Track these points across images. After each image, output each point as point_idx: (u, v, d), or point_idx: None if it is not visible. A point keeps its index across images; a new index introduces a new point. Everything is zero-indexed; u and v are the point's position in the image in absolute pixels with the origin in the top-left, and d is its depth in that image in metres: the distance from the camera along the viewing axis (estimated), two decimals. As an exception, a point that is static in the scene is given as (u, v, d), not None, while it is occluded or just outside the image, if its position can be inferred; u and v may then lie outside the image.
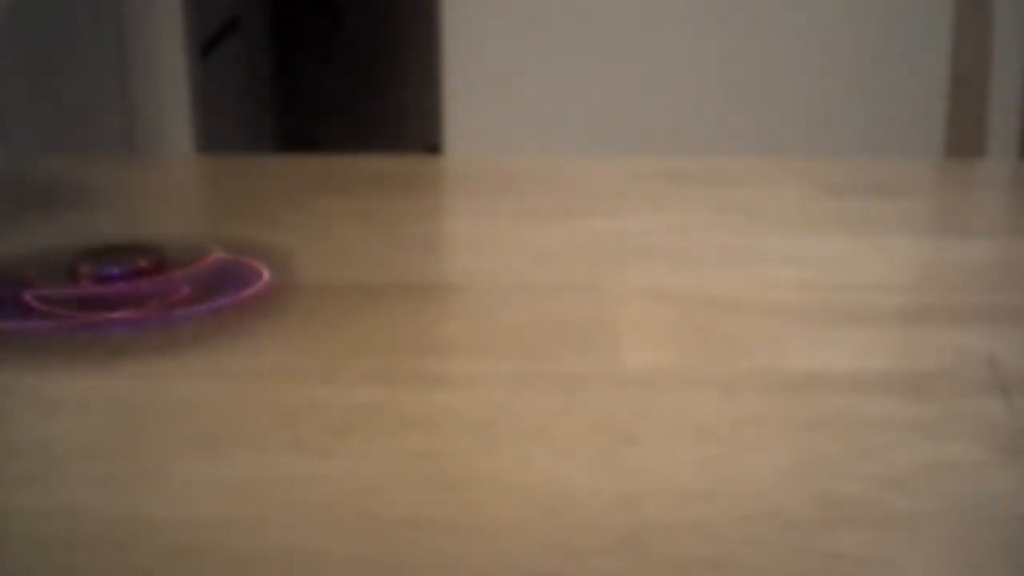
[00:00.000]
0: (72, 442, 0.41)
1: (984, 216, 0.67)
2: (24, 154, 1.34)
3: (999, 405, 0.44)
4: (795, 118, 1.67)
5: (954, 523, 0.36)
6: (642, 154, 1.62)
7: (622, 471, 0.39)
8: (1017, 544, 0.35)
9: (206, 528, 0.36)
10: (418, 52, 2.13)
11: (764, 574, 0.34)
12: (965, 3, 1.05)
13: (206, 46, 1.78)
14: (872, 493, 0.38)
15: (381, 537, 0.35)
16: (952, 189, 0.73)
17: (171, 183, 0.73)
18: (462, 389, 0.45)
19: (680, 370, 0.47)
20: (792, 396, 0.44)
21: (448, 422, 0.42)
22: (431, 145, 2.00)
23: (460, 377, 0.46)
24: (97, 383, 0.46)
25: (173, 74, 1.62)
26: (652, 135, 1.68)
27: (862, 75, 1.65)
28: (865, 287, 0.55)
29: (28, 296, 0.53)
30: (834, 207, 0.67)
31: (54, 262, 0.56)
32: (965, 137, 1.06)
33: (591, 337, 0.50)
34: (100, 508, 0.37)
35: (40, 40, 1.42)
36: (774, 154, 1.67)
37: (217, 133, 1.79)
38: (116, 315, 0.51)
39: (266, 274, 0.56)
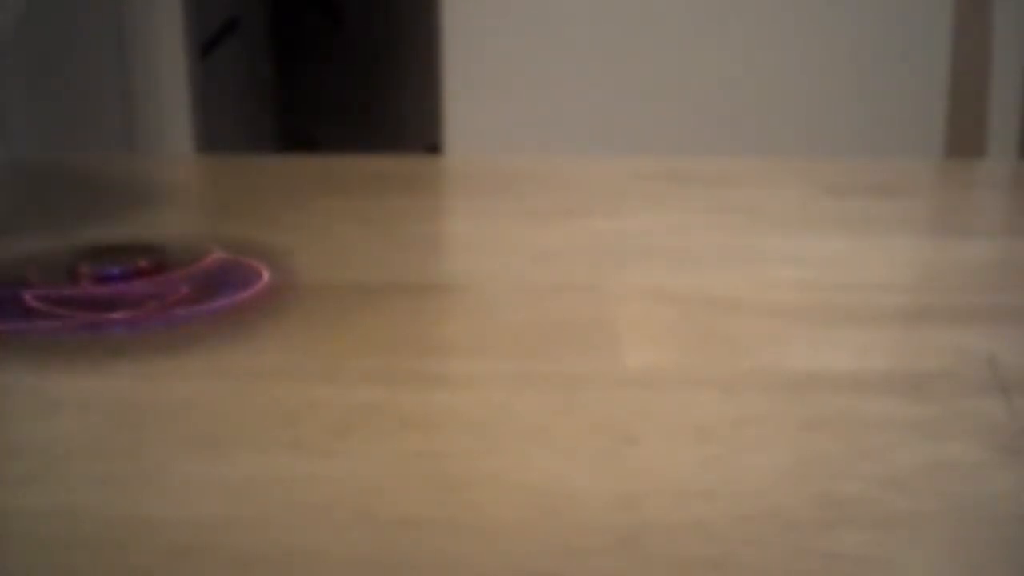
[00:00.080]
0: (72, 442, 0.41)
1: (984, 216, 0.67)
2: (24, 154, 1.34)
3: (999, 405, 0.44)
4: (795, 118, 1.67)
5: (954, 523, 0.36)
6: (642, 154, 1.62)
7: (622, 471, 0.39)
8: (1017, 544, 0.35)
9: (206, 528, 0.36)
10: (418, 52, 2.13)
11: (764, 574, 0.34)
12: (965, 3, 1.05)
13: (206, 46, 1.78)
14: (872, 493, 0.38)
15: (381, 537, 0.35)
16: (952, 189, 0.73)
17: (171, 183, 0.73)
18: (462, 389, 0.45)
19: (680, 370, 0.47)
20: (792, 396, 0.44)
21: (448, 422, 0.42)
22: (431, 145, 2.00)
23: (460, 377, 0.46)
24: (97, 383, 0.46)
25: (173, 74, 1.62)
26: (652, 135, 1.68)
27: (862, 75, 1.65)
28: (865, 287, 0.55)
29: (28, 296, 0.53)
30: (834, 207, 0.67)
31: (54, 262, 0.56)
32: (965, 137, 1.06)
33: (591, 337, 0.50)
34: (100, 508, 0.37)
35: (40, 40, 1.42)
36: (774, 154, 1.67)
37: (217, 133, 1.79)
38: (116, 315, 0.51)
39: (266, 274, 0.56)
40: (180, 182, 0.74)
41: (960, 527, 0.36)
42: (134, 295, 0.53)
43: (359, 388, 0.45)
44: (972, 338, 0.50)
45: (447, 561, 0.34)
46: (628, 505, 0.37)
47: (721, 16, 1.64)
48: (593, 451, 0.40)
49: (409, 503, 0.37)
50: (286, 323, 0.51)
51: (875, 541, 0.35)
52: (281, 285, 0.55)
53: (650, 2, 1.65)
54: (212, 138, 1.74)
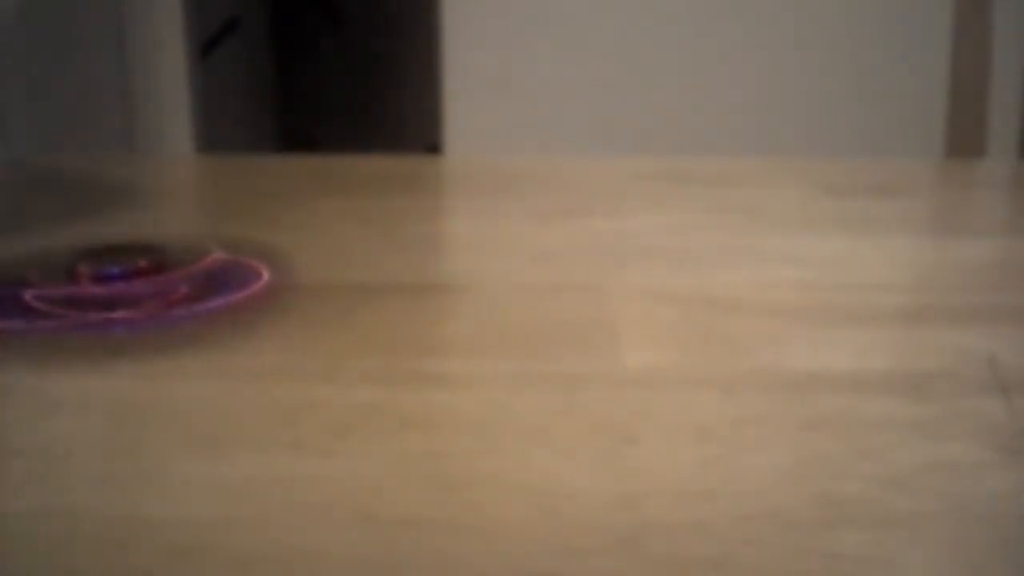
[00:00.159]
0: (72, 442, 0.41)
1: (984, 216, 0.67)
2: (24, 154, 1.34)
3: (999, 405, 0.44)
4: (795, 118, 1.67)
5: (954, 523, 0.36)
6: (642, 154, 1.62)
7: (622, 471, 0.39)
8: (1017, 544, 0.35)
9: (206, 528, 0.36)
10: (418, 52, 2.13)
11: (764, 574, 0.34)
12: (965, 3, 1.05)
13: (206, 46, 1.78)
14: (872, 493, 0.38)
15: (381, 537, 0.35)
16: (952, 189, 0.73)
17: (171, 183, 0.73)
18: (462, 389, 0.45)
19: (680, 370, 0.47)
20: (792, 396, 0.44)
21: (448, 422, 0.42)
22: (431, 145, 2.00)
23: (460, 377, 0.46)
24: (97, 383, 0.46)
25: (173, 74, 1.62)
26: (652, 135, 1.68)
27: (862, 75, 1.65)
28: (865, 287, 0.55)
29: (28, 296, 0.53)
30: (834, 207, 0.67)
31: (54, 262, 0.56)
32: (965, 137, 1.06)
33: (591, 337, 0.50)
34: (100, 508, 0.37)
35: (40, 40, 1.42)
36: (774, 154, 1.67)
37: (217, 133, 1.79)
38: (116, 315, 0.51)
39: (266, 274, 0.56)
40: (180, 182, 0.74)
41: (960, 527, 0.36)
42: (134, 295, 0.53)
43: (359, 388, 0.45)
44: (972, 338, 0.50)
45: (447, 561, 0.34)
46: (628, 505, 0.37)
47: (721, 16, 1.64)
48: (593, 451, 0.40)
49: (409, 503, 0.37)
50: (286, 323, 0.51)
51: (875, 541, 0.35)
52: (281, 285, 0.55)
53: (650, 2, 1.65)
54: (212, 138, 1.74)
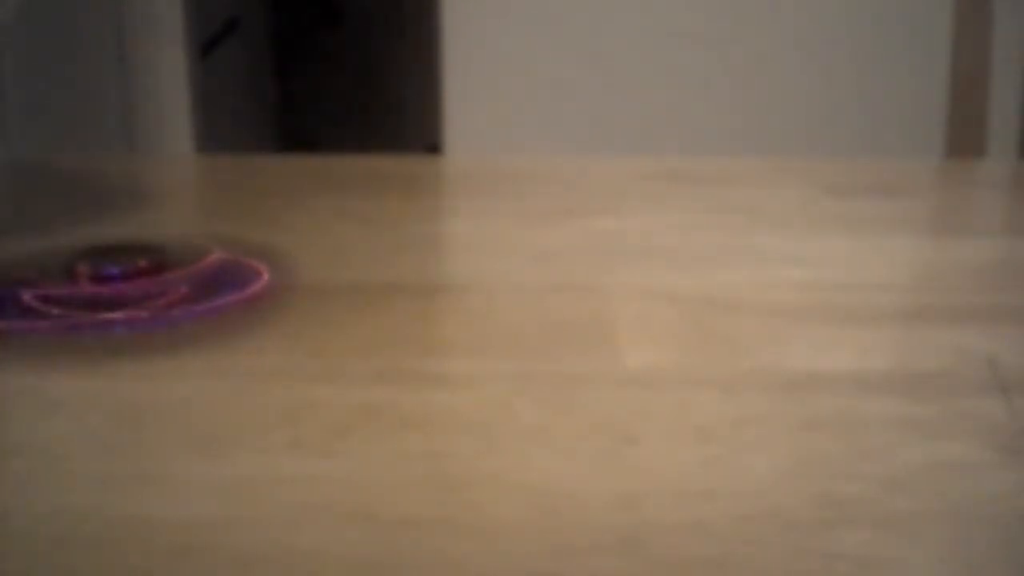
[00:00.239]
0: (72, 442, 0.41)
1: (984, 216, 0.67)
2: (24, 154, 1.34)
3: (999, 405, 0.44)
4: (795, 118, 1.67)
5: (954, 523, 0.36)
6: (642, 154, 1.62)
7: (622, 471, 0.39)
8: (1017, 544, 0.35)
9: (206, 528, 0.36)
10: (418, 52, 2.13)
11: (764, 574, 0.34)
12: (965, 3, 1.05)
13: (206, 46, 1.78)
14: (872, 493, 0.38)
15: (381, 537, 0.35)
16: (952, 189, 0.73)
17: (171, 183, 0.73)
18: (462, 389, 0.45)
19: (680, 370, 0.47)
20: (792, 396, 0.44)
21: (448, 422, 0.42)
22: (431, 145, 2.00)
23: (460, 377, 0.46)
24: (97, 383, 0.46)
25: (173, 74, 1.62)
26: (652, 135, 1.68)
27: (862, 75, 1.65)
28: (865, 287, 0.55)
29: (28, 296, 0.53)
30: (834, 207, 0.67)
31: (54, 262, 0.56)
32: (965, 137, 1.06)
33: (591, 337, 0.50)
34: (100, 508, 0.37)
35: (40, 40, 1.42)
36: (774, 154, 1.67)
37: (217, 133, 1.79)
38: (116, 315, 0.51)
39: (266, 274, 0.56)
40: (180, 182, 0.74)
41: (960, 527, 0.36)
42: (134, 295, 0.53)
43: (359, 388, 0.45)
44: (972, 338, 0.50)
45: (447, 561, 0.34)
46: (628, 505, 0.37)
47: (721, 16, 1.64)
48: (593, 451, 0.40)
49: (409, 503, 0.37)
50: (286, 323, 0.51)
51: (875, 541, 0.35)
52: (281, 285, 0.55)
53: (650, 2, 1.65)
54: (212, 138, 1.74)
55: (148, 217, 0.65)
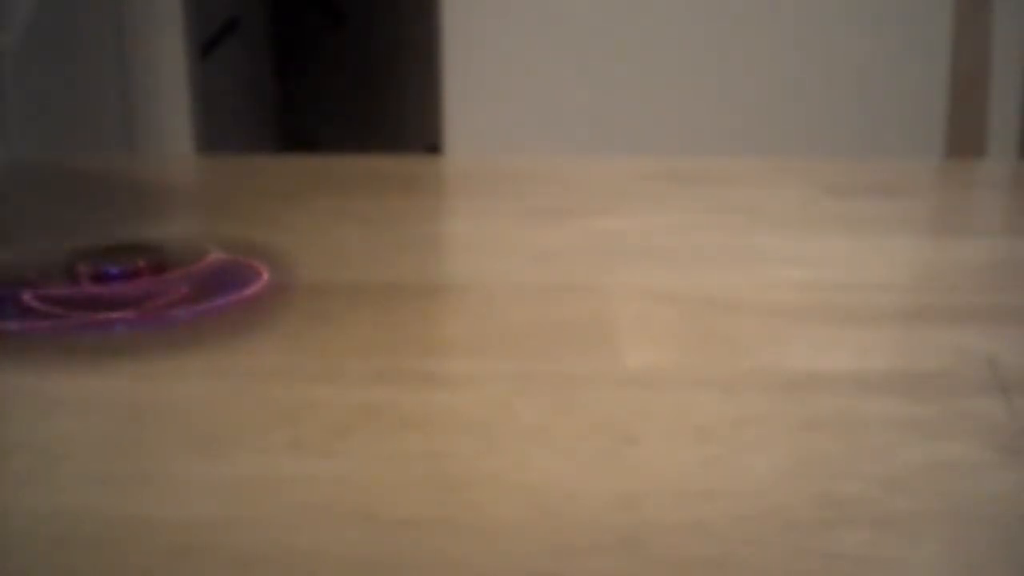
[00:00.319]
0: (72, 442, 0.41)
1: (984, 216, 0.67)
2: (24, 154, 1.35)
3: (999, 405, 0.44)
4: (795, 118, 1.67)
5: (954, 523, 0.36)
6: (642, 154, 1.62)
7: (622, 471, 0.39)
8: (1017, 544, 0.35)
9: (206, 528, 0.36)
10: (418, 52, 2.13)
11: (764, 574, 0.34)
12: (965, 3, 1.05)
13: (206, 46, 1.78)
14: (872, 493, 0.38)
15: (381, 537, 0.35)
16: (952, 189, 0.73)
17: (171, 183, 0.73)
18: (462, 389, 0.45)
19: (680, 370, 0.47)
20: (792, 396, 0.44)
21: (448, 422, 0.42)
22: (431, 145, 2.00)
23: (460, 377, 0.46)
24: (97, 383, 0.46)
25: (173, 74, 1.62)
26: (652, 135, 1.68)
27: (862, 75, 1.65)
28: (865, 287, 0.55)
29: (28, 296, 0.53)
30: (834, 207, 0.67)
31: (54, 262, 0.56)
32: (965, 137, 1.06)
33: (591, 337, 0.50)
34: (100, 508, 0.37)
35: (40, 40, 1.42)
36: (774, 154, 1.67)
37: (217, 133, 1.79)
38: (116, 315, 0.51)
39: (266, 274, 0.56)
40: (180, 182, 0.74)
41: (960, 527, 0.36)
42: (134, 295, 0.53)
43: (359, 388, 0.45)
44: (972, 338, 0.50)
45: (447, 561, 0.34)
46: (628, 505, 0.37)
47: (721, 16, 1.64)
48: (593, 451, 0.40)
49: (409, 503, 0.37)
50: (286, 323, 0.51)
51: (875, 541, 0.35)
52: (281, 285, 0.55)
53: (650, 2, 1.65)
54: (212, 138, 1.74)
55: (148, 217, 0.65)
